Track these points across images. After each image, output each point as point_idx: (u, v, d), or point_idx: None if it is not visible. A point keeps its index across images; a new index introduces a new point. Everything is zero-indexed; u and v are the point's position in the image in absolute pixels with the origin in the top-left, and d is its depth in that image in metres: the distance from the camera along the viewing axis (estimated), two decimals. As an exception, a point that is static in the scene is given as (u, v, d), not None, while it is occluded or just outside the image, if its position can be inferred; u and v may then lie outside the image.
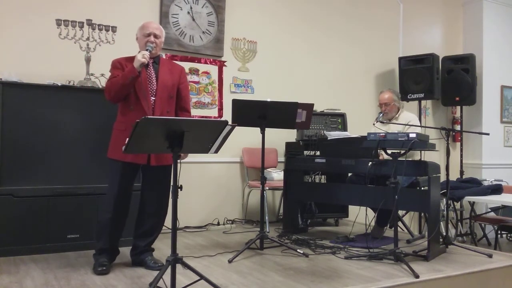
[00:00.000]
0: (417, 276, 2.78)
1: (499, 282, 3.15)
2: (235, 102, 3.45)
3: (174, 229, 2.40)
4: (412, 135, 3.10)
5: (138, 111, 2.86)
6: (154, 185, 3.02)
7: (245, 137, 4.52)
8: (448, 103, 6.03)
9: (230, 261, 3.15)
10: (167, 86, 3.00)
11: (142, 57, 2.81)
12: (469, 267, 3.08)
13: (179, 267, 2.42)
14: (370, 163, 3.47)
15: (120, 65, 2.94)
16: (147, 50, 2.89)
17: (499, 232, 4.84)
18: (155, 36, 2.98)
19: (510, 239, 5.46)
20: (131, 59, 2.94)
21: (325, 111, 4.85)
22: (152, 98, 2.93)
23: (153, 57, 2.99)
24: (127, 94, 2.88)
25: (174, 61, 3.19)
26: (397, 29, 5.96)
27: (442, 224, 4.28)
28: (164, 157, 2.98)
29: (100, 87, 3.61)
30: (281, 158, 4.80)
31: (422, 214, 5.40)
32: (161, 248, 3.47)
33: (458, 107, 6.15)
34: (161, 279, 2.38)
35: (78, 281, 2.69)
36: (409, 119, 4.01)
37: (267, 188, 4.37)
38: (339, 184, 4.17)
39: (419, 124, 4.30)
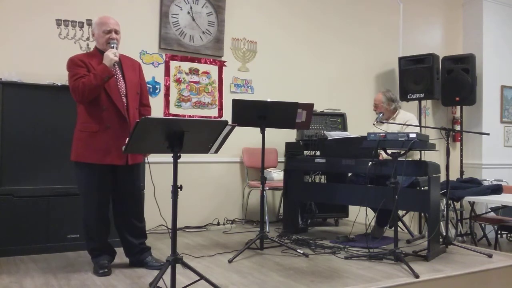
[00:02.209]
0: (417, 276, 2.79)
1: (499, 282, 3.15)
2: (235, 102, 3.45)
3: (174, 229, 2.40)
4: (412, 135, 3.10)
5: (111, 111, 2.82)
6: (129, 183, 2.97)
7: (245, 137, 4.52)
8: (448, 103, 6.02)
9: (230, 261, 3.15)
10: (134, 83, 2.97)
11: (115, 55, 2.76)
12: (469, 267, 3.08)
13: (179, 267, 2.42)
14: (370, 163, 3.47)
15: (83, 63, 2.82)
16: (112, 47, 2.83)
17: (499, 232, 4.84)
18: (116, 32, 2.90)
19: (510, 239, 5.45)
20: (92, 55, 2.90)
21: (325, 111, 4.85)
22: (123, 96, 2.89)
23: None
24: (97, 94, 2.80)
25: (130, 56, 3.14)
26: (397, 29, 5.96)
27: (442, 224, 4.28)
28: (137, 155, 2.95)
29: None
30: (281, 158, 4.80)
31: (422, 214, 5.40)
32: (161, 248, 3.47)
33: (458, 107, 6.14)
34: (161, 279, 2.38)
35: (78, 281, 2.69)
36: (407, 119, 4.02)
37: (267, 188, 4.36)
38: (339, 184, 4.17)
39: (417, 123, 4.29)
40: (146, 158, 2.96)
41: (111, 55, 2.75)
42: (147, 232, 3.12)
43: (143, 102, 3.09)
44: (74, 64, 2.83)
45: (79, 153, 2.83)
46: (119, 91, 2.87)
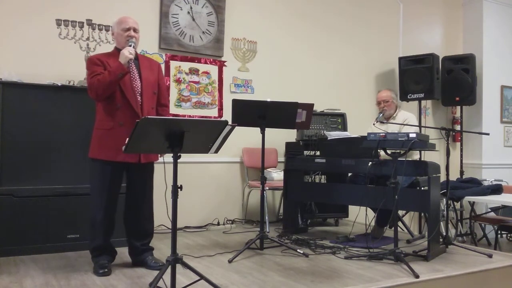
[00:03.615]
0: (417, 276, 2.79)
1: (499, 282, 3.15)
2: (235, 102, 3.45)
3: (174, 229, 2.40)
4: (412, 135, 3.10)
5: (126, 109, 2.84)
6: (141, 182, 2.98)
7: (245, 137, 4.52)
8: (448, 103, 6.03)
9: (230, 261, 3.15)
10: (150, 82, 2.98)
11: (129, 53, 2.78)
12: (469, 267, 3.08)
13: (179, 267, 2.42)
14: (370, 163, 3.47)
15: (100, 62, 2.86)
16: (130, 45, 2.85)
17: (499, 232, 4.84)
18: (134, 30, 2.94)
19: (510, 239, 5.45)
20: (110, 55, 2.93)
21: (325, 111, 4.85)
22: (138, 95, 2.90)
23: None
24: (113, 92, 2.82)
25: (149, 57, 3.14)
26: (397, 29, 5.96)
27: (442, 224, 4.28)
28: (151, 154, 2.96)
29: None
30: (281, 158, 4.80)
31: (422, 214, 5.40)
32: (161, 248, 3.47)
33: (458, 107, 6.14)
34: (161, 279, 2.38)
35: (78, 281, 2.69)
36: (406, 117, 4.03)
37: (267, 188, 4.37)
38: (339, 184, 4.17)
39: (417, 122, 4.30)
40: (162, 158, 2.96)
41: (126, 53, 2.78)
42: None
43: (162, 102, 3.11)
44: (91, 62, 2.88)
45: (94, 150, 2.89)
46: (134, 89, 2.89)
